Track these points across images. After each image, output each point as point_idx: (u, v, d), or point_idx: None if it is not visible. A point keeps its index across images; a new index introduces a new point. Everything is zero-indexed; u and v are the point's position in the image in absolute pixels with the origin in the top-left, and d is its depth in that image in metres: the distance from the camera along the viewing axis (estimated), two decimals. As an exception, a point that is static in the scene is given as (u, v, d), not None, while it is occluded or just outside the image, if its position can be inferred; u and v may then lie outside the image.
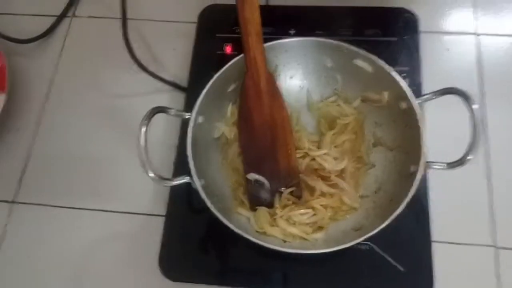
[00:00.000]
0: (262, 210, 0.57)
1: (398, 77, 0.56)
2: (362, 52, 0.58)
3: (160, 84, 0.70)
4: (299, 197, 0.58)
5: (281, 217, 0.57)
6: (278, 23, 0.70)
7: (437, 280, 0.55)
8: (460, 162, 0.49)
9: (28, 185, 0.67)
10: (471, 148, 0.48)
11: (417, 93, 0.56)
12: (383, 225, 0.49)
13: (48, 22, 0.77)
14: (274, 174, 0.58)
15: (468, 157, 0.48)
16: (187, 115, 0.56)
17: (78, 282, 0.61)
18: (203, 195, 0.51)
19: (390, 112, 0.59)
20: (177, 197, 0.61)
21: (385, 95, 0.59)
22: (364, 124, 0.62)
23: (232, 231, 0.50)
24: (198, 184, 0.52)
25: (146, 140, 0.50)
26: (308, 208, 0.57)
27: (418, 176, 0.50)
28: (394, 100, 0.57)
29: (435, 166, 0.51)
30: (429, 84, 0.63)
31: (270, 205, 0.58)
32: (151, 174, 0.50)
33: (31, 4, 0.80)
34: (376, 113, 0.61)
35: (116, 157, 0.67)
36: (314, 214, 0.57)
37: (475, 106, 0.48)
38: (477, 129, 0.48)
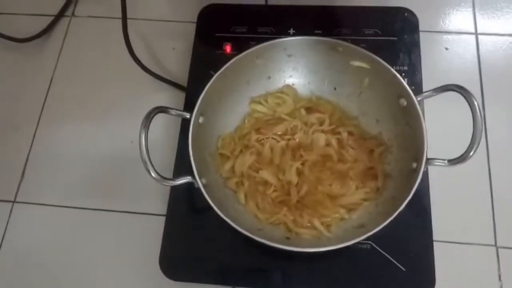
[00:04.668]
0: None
1: (397, 75, 0.56)
2: (361, 50, 0.58)
3: (159, 84, 0.70)
4: None
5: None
6: (278, 23, 0.70)
7: (438, 279, 0.55)
8: (461, 158, 0.49)
9: (29, 184, 0.67)
10: (472, 145, 0.48)
11: (417, 92, 0.56)
12: (386, 222, 0.48)
13: (47, 21, 0.77)
14: None
15: (470, 154, 0.48)
16: (187, 115, 0.56)
17: (79, 280, 0.61)
18: (205, 194, 0.51)
19: (390, 110, 0.59)
20: (177, 196, 0.61)
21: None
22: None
23: (233, 230, 0.50)
24: (200, 183, 0.52)
25: (147, 140, 0.50)
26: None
27: (420, 173, 0.50)
28: (394, 97, 0.57)
29: (436, 163, 0.51)
30: (429, 83, 0.62)
31: None
32: (154, 174, 0.50)
33: (30, 4, 0.80)
34: (377, 110, 0.61)
35: (116, 157, 0.67)
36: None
37: (476, 102, 0.49)
38: (478, 125, 0.48)
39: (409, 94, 0.55)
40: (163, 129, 0.67)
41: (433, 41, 0.71)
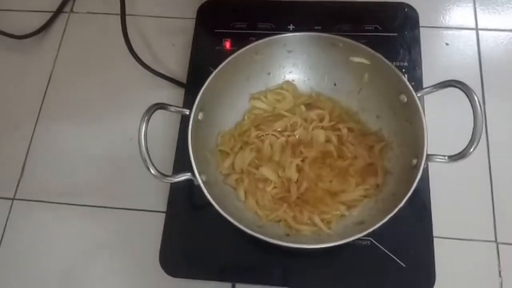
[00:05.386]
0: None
1: (397, 71, 0.56)
2: (361, 46, 0.58)
3: (159, 80, 0.70)
4: None
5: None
6: (277, 19, 0.70)
7: (438, 275, 0.55)
8: (462, 155, 0.49)
9: (28, 182, 0.67)
10: (473, 141, 0.48)
11: (417, 88, 0.56)
12: (386, 219, 0.48)
13: (46, 18, 0.77)
14: None
15: (470, 150, 0.48)
16: (187, 112, 0.56)
17: (78, 278, 0.61)
18: (205, 191, 0.51)
19: (390, 106, 0.59)
20: (177, 193, 0.61)
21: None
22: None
23: (232, 226, 0.50)
24: (199, 180, 0.52)
25: (146, 137, 0.50)
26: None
27: (420, 169, 0.50)
28: (394, 93, 0.57)
29: (436, 159, 0.51)
30: (429, 79, 0.62)
31: None
32: (153, 171, 0.50)
33: (28, 0, 0.80)
34: (377, 107, 0.61)
35: (116, 154, 0.67)
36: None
37: (476, 98, 0.48)
38: (478, 121, 0.48)
39: (409, 90, 0.55)
40: (163, 126, 0.67)
41: (433, 37, 0.71)
